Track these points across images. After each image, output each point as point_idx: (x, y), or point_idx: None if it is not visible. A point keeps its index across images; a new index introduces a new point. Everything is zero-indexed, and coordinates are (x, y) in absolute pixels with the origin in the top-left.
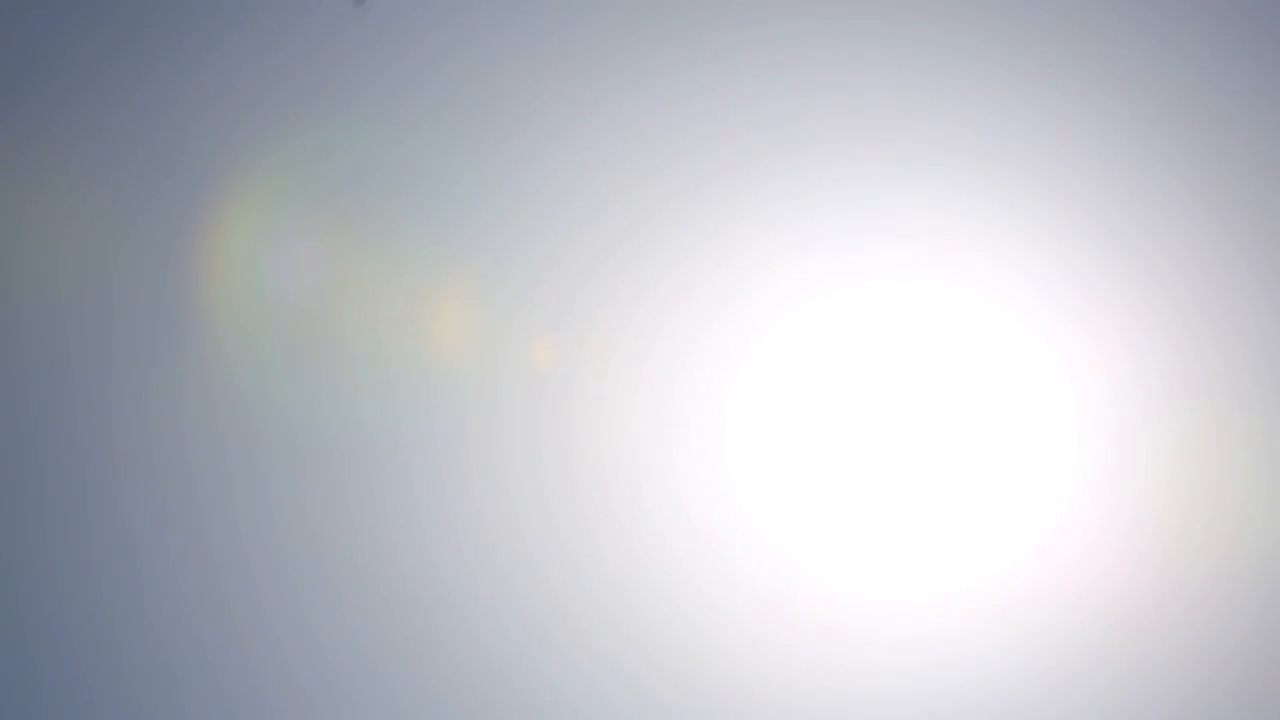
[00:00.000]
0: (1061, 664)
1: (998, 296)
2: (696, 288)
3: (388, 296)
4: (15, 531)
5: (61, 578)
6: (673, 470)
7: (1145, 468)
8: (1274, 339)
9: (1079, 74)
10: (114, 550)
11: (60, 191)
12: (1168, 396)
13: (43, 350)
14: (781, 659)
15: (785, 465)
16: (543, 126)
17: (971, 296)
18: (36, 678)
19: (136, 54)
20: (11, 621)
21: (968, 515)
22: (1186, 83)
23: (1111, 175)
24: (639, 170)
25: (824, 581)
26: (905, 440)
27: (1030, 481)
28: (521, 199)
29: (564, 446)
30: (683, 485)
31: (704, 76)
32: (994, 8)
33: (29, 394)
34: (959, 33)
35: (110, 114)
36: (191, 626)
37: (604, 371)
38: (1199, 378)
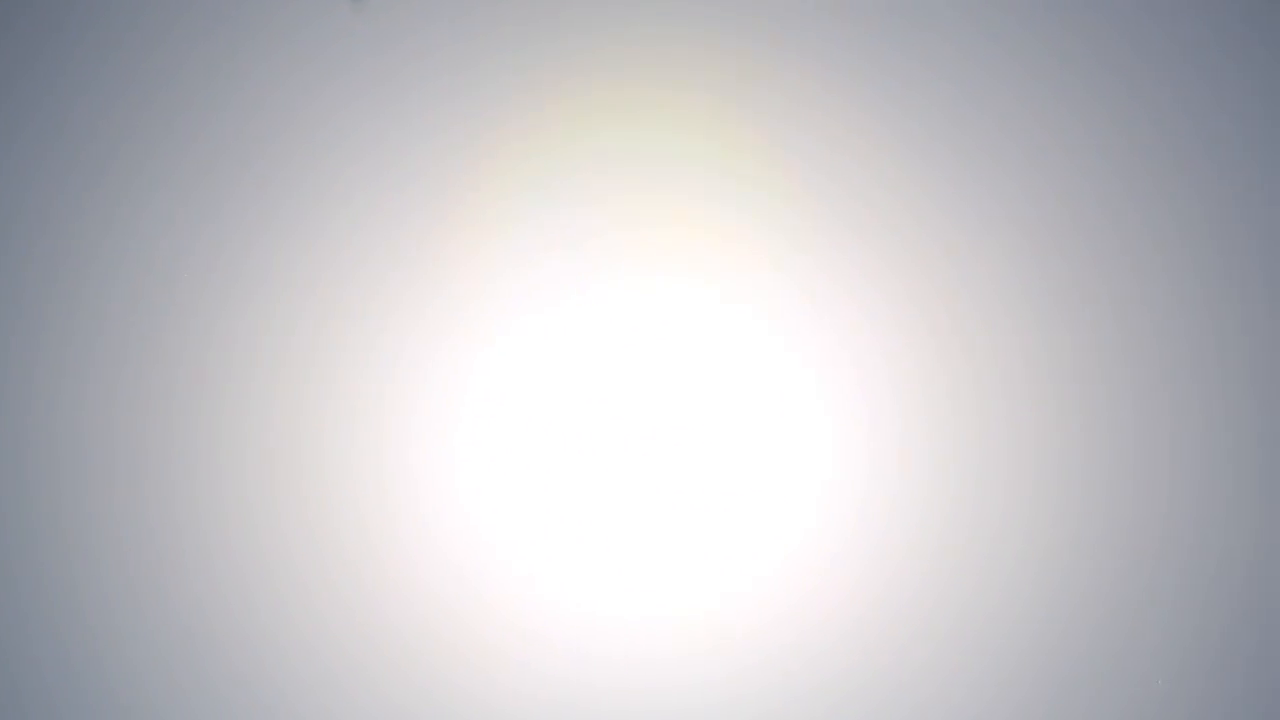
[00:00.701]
0: (809, 688)
1: (744, 299)
2: (436, 289)
3: None
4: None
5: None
6: (406, 473)
7: (899, 480)
8: (1036, 343)
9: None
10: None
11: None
12: (925, 404)
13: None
14: (513, 670)
15: (520, 473)
16: None
17: (716, 299)
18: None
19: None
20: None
21: (708, 530)
22: (916, 77)
23: (867, 169)
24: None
25: (558, 595)
26: (645, 450)
27: (775, 496)
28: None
29: (296, 445)
30: (418, 489)
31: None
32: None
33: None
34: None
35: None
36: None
37: (334, 369)
38: (958, 384)
